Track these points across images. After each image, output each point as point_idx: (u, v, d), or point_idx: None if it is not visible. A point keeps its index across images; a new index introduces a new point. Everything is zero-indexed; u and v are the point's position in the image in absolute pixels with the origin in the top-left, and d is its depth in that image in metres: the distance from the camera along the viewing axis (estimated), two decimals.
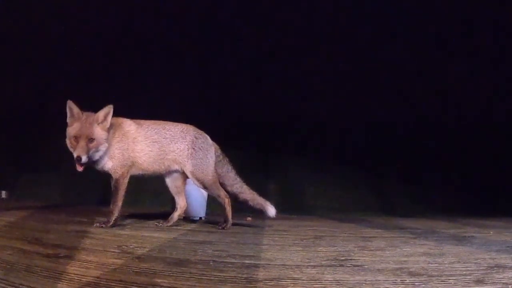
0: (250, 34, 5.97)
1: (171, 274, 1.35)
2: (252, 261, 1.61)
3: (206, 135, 2.95)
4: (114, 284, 1.23)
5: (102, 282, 1.24)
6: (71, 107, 2.54)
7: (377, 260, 1.72)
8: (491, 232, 3.01)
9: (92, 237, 2.11)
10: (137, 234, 2.31)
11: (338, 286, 1.29)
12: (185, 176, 2.92)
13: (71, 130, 2.52)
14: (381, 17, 5.97)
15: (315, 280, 1.35)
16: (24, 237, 1.97)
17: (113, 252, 1.71)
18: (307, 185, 5.91)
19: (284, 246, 2.07)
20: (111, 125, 2.65)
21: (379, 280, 1.35)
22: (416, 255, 1.86)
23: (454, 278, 1.39)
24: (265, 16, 5.99)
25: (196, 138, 2.87)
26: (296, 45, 6.13)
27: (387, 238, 2.57)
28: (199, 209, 3.46)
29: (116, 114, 2.75)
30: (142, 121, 2.84)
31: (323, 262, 1.64)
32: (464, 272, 1.48)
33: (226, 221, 2.82)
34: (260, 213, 2.99)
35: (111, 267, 1.42)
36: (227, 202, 2.85)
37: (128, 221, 2.94)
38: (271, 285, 1.28)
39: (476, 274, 1.45)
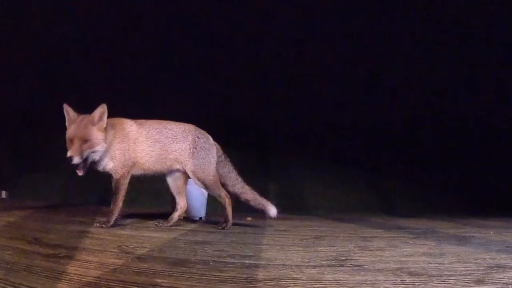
0: (250, 34, 5.97)
1: (171, 274, 1.35)
2: (252, 261, 1.61)
3: (208, 135, 2.95)
4: (114, 284, 1.23)
5: (102, 282, 1.24)
6: (67, 110, 2.56)
7: (377, 260, 1.72)
8: (491, 232, 3.01)
9: (92, 237, 2.11)
10: (137, 234, 2.31)
11: (338, 286, 1.29)
12: (186, 176, 2.92)
13: (67, 133, 2.53)
14: (381, 17, 5.98)
15: (315, 280, 1.35)
16: (24, 237, 1.97)
17: (113, 252, 1.71)
18: (307, 185, 5.91)
19: (284, 246, 2.06)
20: (112, 126, 2.66)
21: (379, 280, 1.35)
22: (416, 255, 1.86)
23: (454, 278, 1.39)
24: (265, 16, 5.99)
25: (198, 137, 2.87)
26: (296, 45, 6.14)
27: (387, 238, 2.57)
28: (199, 209, 3.46)
29: (116, 114, 2.75)
30: (143, 121, 2.84)
31: (323, 262, 1.63)
32: (464, 272, 1.48)
33: (226, 221, 2.81)
34: (260, 213, 2.99)
35: (111, 267, 1.42)
36: (227, 203, 2.85)
37: (128, 221, 2.94)
38: (271, 285, 1.28)
39: (476, 274, 1.45)
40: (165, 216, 2.99)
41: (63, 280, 1.24)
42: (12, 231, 2.20)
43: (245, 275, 1.38)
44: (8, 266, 1.39)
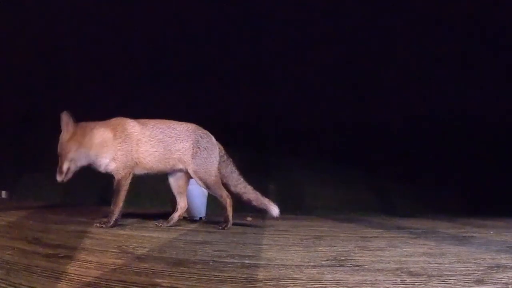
0: (250, 34, 5.97)
1: (171, 274, 1.35)
2: (252, 261, 1.61)
3: (211, 135, 2.94)
4: (114, 284, 1.23)
5: (102, 282, 1.24)
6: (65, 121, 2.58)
7: (377, 260, 1.72)
8: (491, 232, 3.01)
9: (92, 237, 2.11)
10: (137, 234, 2.31)
11: (338, 286, 1.29)
12: (188, 176, 2.91)
13: None
14: (381, 18, 5.97)
15: (315, 280, 1.35)
16: (24, 237, 1.97)
17: (113, 252, 1.71)
18: (307, 185, 5.91)
19: (284, 246, 2.06)
20: (114, 126, 2.66)
21: (379, 280, 1.35)
22: (416, 255, 1.86)
23: (454, 278, 1.39)
24: (265, 16, 5.99)
25: (201, 137, 2.87)
26: (296, 45, 6.14)
27: (387, 238, 2.57)
28: (200, 209, 3.46)
29: (118, 114, 2.76)
30: (146, 121, 2.83)
31: (323, 262, 1.63)
32: (464, 272, 1.48)
33: (226, 221, 2.81)
34: (260, 213, 2.98)
35: (111, 267, 1.42)
36: (228, 203, 2.85)
37: (128, 221, 2.94)
38: (271, 285, 1.28)
39: (476, 274, 1.45)
40: (165, 216, 2.99)
41: (63, 280, 1.24)
42: (12, 231, 2.19)
43: (245, 275, 1.38)
44: (8, 266, 1.38)
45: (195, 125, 2.93)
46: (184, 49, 5.86)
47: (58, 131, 2.62)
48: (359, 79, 6.17)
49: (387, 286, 1.30)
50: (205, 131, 2.94)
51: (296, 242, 2.27)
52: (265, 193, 3.04)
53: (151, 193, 5.00)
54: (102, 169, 2.67)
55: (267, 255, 1.76)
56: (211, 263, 1.55)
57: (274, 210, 2.91)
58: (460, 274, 1.45)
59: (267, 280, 1.33)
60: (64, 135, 2.56)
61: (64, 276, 1.28)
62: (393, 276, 1.41)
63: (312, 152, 6.08)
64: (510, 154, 6.08)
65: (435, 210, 5.61)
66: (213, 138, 2.94)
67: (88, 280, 1.25)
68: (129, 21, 5.75)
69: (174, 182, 2.96)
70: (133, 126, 2.75)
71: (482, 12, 5.86)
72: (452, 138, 6.24)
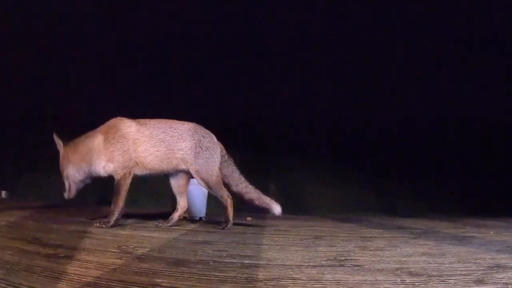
0: (250, 34, 5.97)
1: (171, 274, 1.35)
2: (252, 261, 1.61)
3: (212, 135, 2.94)
4: (114, 284, 1.23)
5: (102, 282, 1.24)
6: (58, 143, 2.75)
7: (377, 260, 1.72)
8: (491, 232, 3.01)
9: (92, 237, 2.11)
10: (137, 234, 2.31)
11: (338, 286, 1.29)
12: (189, 176, 2.91)
13: None
14: (381, 18, 5.97)
15: (315, 280, 1.35)
16: (24, 237, 1.97)
17: (113, 252, 1.71)
18: (307, 185, 5.91)
19: (284, 246, 2.06)
20: (106, 130, 2.71)
21: (379, 280, 1.35)
22: (416, 255, 1.86)
23: (454, 278, 1.39)
24: (265, 16, 5.99)
25: (203, 137, 2.87)
26: (296, 45, 6.13)
27: (387, 238, 2.57)
28: (200, 209, 3.46)
29: (118, 114, 2.75)
30: (146, 121, 2.82)
31: (323, 262, 1.63)
32: (464, 272, 1.48)
33: (226, 221, 2.81)
34: (261, 213, 2.98)
35: (111, 267, 1.42)
36: (229, 203, 2.85)
37: (128, 221, 2.94)
38: (271, 285, 1.28)
39: (476, 274, 1.45)
40: (165, 216, 2.98)
41: (63, 280, 1.24)
42: (12, 231, 2.20)
43: (245, 275, 1.38)
44: (8, 266, 1.38)
45: (196, 124, 2.93)
46: (184, 49, 5.86)
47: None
48: (359, 79, 6.17)
49: (387, 286, 1.30)
50: (207, 131, 2.93)
51: (296, 242, 2.27)
52: (265, 193, 3.04)
53: (151, 193, 5.00)
54: (102, 174, 2.70)
55: (267, 255, 1.76)
56: (211, 263, 1.55)
57: (276, 208, 2.92)
58: (460, 274, 1.45)
59: (267, 280, 1.33)
60: (60, 155, 2.73)
61: (64, 276, 1.28)
62: (393, 276, 1.41)
63: (312, 152, 6.07)
64: (510, 154, 6.07)
65: (435, 210, 5.61)
66: (215, 138, 2.94)
67: (88, 280, 1.25)
68: (129, 21, 5.75)
69: (175, 182, 2.96)
70: (129, 126, 2.74)
71: (482, 12, 5.86)
72: (452, 138, 6.24)
